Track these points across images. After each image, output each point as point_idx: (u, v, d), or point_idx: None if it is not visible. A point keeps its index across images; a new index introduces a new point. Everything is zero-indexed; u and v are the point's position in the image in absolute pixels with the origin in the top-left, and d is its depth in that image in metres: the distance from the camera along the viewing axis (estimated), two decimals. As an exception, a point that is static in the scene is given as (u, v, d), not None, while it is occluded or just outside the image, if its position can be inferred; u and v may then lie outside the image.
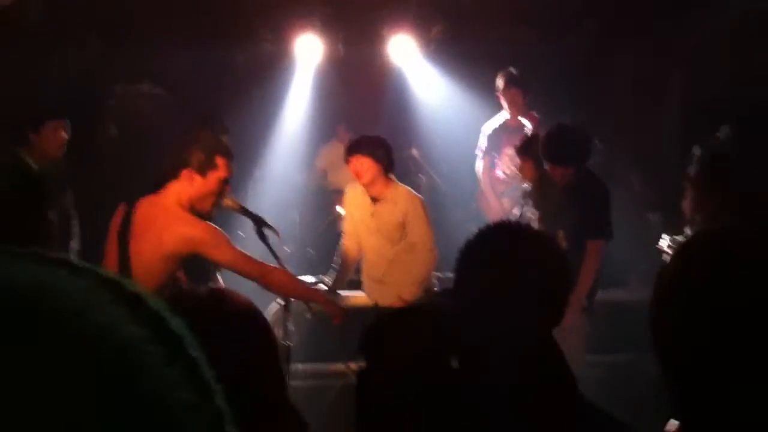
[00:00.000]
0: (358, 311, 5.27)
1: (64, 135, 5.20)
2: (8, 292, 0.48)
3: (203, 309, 1.55)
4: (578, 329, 4.31)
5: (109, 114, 8.20)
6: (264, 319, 1.69)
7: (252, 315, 1.64)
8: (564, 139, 4.67)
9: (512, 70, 6.30)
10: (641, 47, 7.54)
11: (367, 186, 5.05)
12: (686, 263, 1.26)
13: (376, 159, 4.92)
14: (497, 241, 1.89)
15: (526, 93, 6.27)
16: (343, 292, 5.42)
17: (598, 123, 6.86)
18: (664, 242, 3.82)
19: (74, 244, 5.27)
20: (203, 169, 3.64)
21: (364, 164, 4.93)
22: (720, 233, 1.32)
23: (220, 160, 3.69)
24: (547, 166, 4.70)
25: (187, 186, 3.65)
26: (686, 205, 3.40)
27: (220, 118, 5.03)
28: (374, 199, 5.06)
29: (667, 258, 3.90)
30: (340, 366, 5.15)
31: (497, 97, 6.37)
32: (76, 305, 0.48)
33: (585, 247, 4.50)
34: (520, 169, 5.11)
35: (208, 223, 3.66)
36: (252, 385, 1.48)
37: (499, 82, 6.31)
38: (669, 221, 5.18)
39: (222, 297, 1.65)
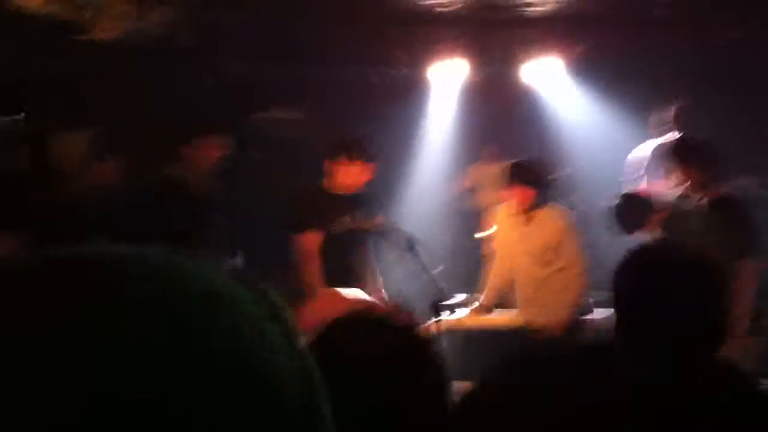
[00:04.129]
0: (508, 331, 5.32)
1: (218, 152, 5.12)
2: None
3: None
4: (750, 353, 4.12)
5: (249, 140, 8.47)
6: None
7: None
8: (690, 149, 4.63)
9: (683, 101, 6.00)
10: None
11: (520, 208, 5.12)
12: None
13: (534, 186, 4.98)
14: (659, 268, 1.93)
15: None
16: (494, 312, 5.49)
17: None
18: None
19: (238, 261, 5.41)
20: None
21: (523, 192, 5.01)
22: None
23: None
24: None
25: None
26: None
27: (365, 147, 5.02)
28: (525, 221, 5.12)
29: None
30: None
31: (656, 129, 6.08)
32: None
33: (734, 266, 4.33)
34: (672, 173, 4.89)
35: None
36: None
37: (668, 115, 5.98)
38: None
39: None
